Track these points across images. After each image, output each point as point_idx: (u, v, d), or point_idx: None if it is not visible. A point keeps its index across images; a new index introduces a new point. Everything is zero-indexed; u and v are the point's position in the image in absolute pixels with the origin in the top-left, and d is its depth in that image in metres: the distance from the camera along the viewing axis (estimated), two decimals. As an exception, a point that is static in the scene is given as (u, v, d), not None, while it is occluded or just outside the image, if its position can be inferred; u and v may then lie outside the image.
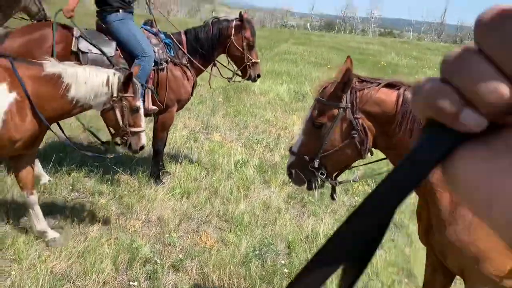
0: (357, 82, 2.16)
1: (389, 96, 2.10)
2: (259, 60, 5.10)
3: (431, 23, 64.15)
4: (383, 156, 2.28)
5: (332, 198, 2.44)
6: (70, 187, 4.28)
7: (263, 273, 3.37)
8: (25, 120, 2.96)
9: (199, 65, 4.73)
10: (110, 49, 4.28)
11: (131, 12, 4.48)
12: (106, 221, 3.76)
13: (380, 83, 2.14)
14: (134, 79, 3.26)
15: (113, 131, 3.37)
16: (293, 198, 4.74)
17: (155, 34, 4.61)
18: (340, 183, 2.37)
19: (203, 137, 6.34)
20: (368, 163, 2.49)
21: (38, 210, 3.32)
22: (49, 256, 3.17)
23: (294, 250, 3.75)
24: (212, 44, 4.75)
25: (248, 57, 4.90)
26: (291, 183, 4.23)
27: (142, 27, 4.62)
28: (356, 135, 2.15)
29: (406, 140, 2.04)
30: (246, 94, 9.09)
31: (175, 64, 4.56)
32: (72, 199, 4.13)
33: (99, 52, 4.18)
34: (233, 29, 4.80)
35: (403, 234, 4.23)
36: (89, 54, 4.15)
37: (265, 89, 9.60)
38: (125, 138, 3.34)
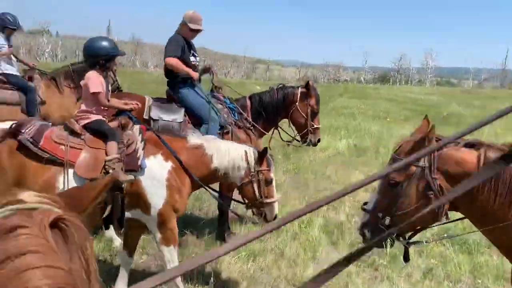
0: (435, 140, 2.09)
1: (469, 156, 2.02)
2: (320, 126, 5.16)
3: (491, 70, 61.96)
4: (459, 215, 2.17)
5: (405, 259, 2.34)
6: (141, 250, 4.36)
7: None
8: (184, 185, 3.25)
9: (260, 128, 4.85)
10: (179, 115, 4.51)
11: (199, 80, 4.75)
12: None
13: (459, 142, 2.07)
14: (268, 154, 3.45)
15: (248, 202, 3.54)
16: (363, 261, 4.51)
17: (220, 100, 4.83)
18: (412, 243, 2.27)
19: (266, 196, 6.31)
20: (444, 223, 2.29)
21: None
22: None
23: (370, 319, 3.50)
24: (276, 109, 4.89)
25: (311, 123, 4.97)
26: (361, 244, 4.21)
27: (209, 94, 4.85)
28: (432, 196, 2.05)
29: (489, 204, 1.94)
30: (305, 151, 9.08)
31: (239, 128, 4.70)
32: (142, 261, 4.20)
33: (170, 119, 4.41)
34: (299, 96, 4.93)
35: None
36: (159, 121, 4.40)
37: (324, 145, 9.54)
38: (261, 209, 3.49)
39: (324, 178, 7.27)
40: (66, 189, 2.87)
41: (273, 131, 5.06)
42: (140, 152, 3.20)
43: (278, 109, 4.90)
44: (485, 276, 4.19)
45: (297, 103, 4.88)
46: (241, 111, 4.82)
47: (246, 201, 3.55)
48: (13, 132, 3.05)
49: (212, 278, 3.93)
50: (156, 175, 3.19)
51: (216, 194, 3.77)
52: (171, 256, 3.30)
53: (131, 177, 3.12)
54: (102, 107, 3.45)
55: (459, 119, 15.12)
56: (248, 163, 3.36)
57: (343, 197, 1.17)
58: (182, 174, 3.25)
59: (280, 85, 5.12)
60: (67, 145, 3.12)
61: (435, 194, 2.05)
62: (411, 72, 63.06)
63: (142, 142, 3.26)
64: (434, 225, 2.26)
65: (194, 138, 3.44)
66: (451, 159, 2.04)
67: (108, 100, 3.50)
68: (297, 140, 5.12)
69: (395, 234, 2.18)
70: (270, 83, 28.26)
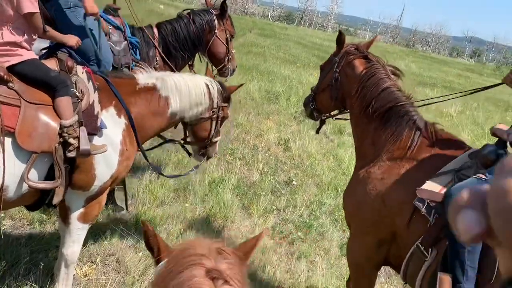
0: (353, 49, 2.66)
1: (361, 65, 2.59)
2: (234, 51, 4.43)
3: (387, 25, 65.56)
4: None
5: (317, 132, 3.31)
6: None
7: None
8: (133, 147, 2.53)
9: (174, 68, 3.86)
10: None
11: None
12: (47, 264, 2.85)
13: (364, 54, 2.62)
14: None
15: (195, 141, 3.09)
16: (279, 233, 4.04)
17: (118, 28, 3.57)
18: (325, 119, 3.03)
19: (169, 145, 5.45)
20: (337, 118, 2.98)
21: None
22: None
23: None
24: (193, 41, 3.95)
25: (231, 51, 4.25)
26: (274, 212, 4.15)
27: (101, 16, 3.45)
28: (333, 84, 2.70)
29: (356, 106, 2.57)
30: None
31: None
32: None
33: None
34: (216, 21, 4.10)
35: None
36: None
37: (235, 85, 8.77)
38: (206, 148, 3.11)
39: (236, 125, 6.57)
40: (2, 170, 1.97)
41: (190, 69, 4.16)
42: (97, 108, 2.32)
43: (196, 42, 3.98)
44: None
45: (216, 30, 4.09)
46: (152, 42, 3.75)
47: (191, 140, 3.09)
48: None
49: (99, 257, 3.11)
50: (110, 137, 2.38)
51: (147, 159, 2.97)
52: (80, 235, 2.49)
53: (103, 147, 2.28)
54: (34, 38, 2.21)
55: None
56: (210, 98, 2.83)
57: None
58: (131, 132, 2.51)
59: (188, 11, 4.12)
60: None
61: (334, 83, 2.68)
62: (315, 15, 63.82)
63: (96, 92, 2.35)
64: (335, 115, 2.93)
65: (145, 77, 2.65)
66: (350, 62, 2.62)
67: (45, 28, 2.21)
68: (219, 75, 4.27)
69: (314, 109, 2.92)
70: (175, 3, 25.83)
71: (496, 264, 1.85)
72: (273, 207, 4.44)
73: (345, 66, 2.61)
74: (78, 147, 2.15)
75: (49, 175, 2.15)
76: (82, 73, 2.35)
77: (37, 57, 2.25)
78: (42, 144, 2.08)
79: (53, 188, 2.15)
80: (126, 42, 3.55)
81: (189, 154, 3.30)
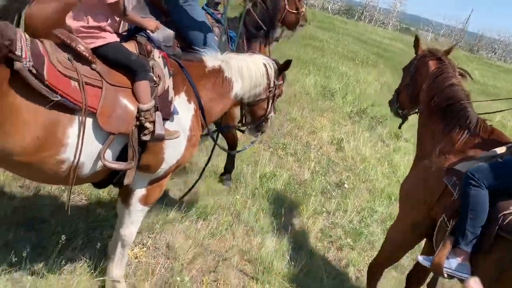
0: (428, 52, 2.92)
1: (434, 65, 2.84)
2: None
3: (451, 27, 62.47)
4: None
5: (399, 127, 3.37)
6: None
7: None
8: (199, 133, 2.57)
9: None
10: (167, 36, 3.33)
11: None
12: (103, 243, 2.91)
13: (437, 56, 2.87)
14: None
15: (250, 122, 3.06)
16: (327, 236, 3.93)
17: (219, 22, 3.73)
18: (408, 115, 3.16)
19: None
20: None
21: None
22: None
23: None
24: (271, 24, 4.19)
25: (303, 12, 4.52)
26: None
27: (203, 9, 3.68)
28: (410, 83, 2.98)
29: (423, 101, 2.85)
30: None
31: None
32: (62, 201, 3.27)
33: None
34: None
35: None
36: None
37: (291, 78, 8.62)
38: (261, 124, 3.07)
39: (289, 120, 6.48)
40: (80, 148, 1.99)
41: (269, 49, 4.38)
42: (171, 93, 2.33)
43: (273, 23, 4.24)
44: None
45: (286, 6, 4.35)
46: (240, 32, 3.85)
47: (248, 120, 3.06)
48: (4, 53, 1.80)
49: (150, 240, 3.15)
50: (181, 123, 2.38)
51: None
52: (139, 217, 2.53)
53: (177, 133, 2.31)
54: (116, 22, 2.25)
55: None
56: (268, 78, 2.80)
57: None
58: (199, 118, 2.53)
59: None
60: (80, 81, 1.99)
61: (411, 80, 2.97)
62: (376, 12, 61.88)
63: (171, 78, 2.36)
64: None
65: (211, 59, 2.65)
66: (424, 63, 2.90)
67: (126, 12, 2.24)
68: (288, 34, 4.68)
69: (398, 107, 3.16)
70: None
71: (493, 235, 2.19)
72: (323, 209, 4.34)
73: (421, 66, 2.91)
74: (153, 132, 2.17)
75: (121, 157, 2.18)
76: (159, 57, 2.35)
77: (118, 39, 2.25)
78: (120, 126, 2.10)
79: (125, 170, 2.18)
80: (226, 35, 3.71)
81: (224, 150, 3.33)
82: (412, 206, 2.69)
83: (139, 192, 2.43)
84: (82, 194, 3.42)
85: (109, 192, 3.47)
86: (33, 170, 2.05)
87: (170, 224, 3.34)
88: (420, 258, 2.51)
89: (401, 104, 3.14)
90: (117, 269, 2.56)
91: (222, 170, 4.29)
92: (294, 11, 4.40)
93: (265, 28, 4.13)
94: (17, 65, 1.81)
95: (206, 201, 3.73)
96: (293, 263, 3.28)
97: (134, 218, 2.49)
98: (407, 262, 3.66)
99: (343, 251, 3.80)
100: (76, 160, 2.02)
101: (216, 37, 3.52)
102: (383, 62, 14.81)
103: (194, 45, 3.24)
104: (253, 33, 4.06)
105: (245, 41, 3.98)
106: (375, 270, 2.98)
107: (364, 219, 4.38)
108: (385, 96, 9.32)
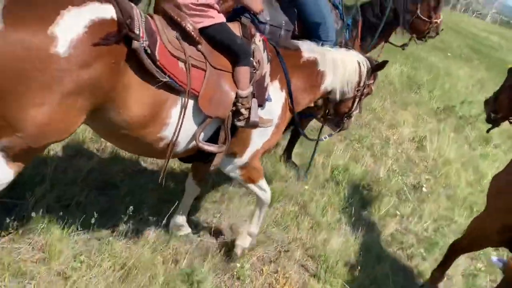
0: None
1: None
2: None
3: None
4: None
5: (487, 132, 3.38)
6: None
7: None
8: (286, 121, 2.57)
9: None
10: (289, 20, 3.28)
11: None
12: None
13: None
14: None
15: (332, 117, 2.97)
16: (398, 242, 3.66)
17: (337, 8, 3.60)
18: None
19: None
20: None
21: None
22: (87, 263, 2.37)
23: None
24: (391, 20, 3.89)
25: (436, 22, 4.00)
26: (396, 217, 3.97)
27: None
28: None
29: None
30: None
31: None
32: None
33: (277, 24, 3.18)
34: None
35: None
36: (266, 25, 3.13)
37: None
38: (343, 121, 2.97)
39: (369, 110, 6.11)
40: (179, 127, 2.02)
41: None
42: (268, 80, 2.31)
43: (393, 24, 3.95)
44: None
45: (418, 11, 3.92)
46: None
47: (331, 116, 2.97)
48: (124, 32, 1.73)
49: (215, 218, 3.10)
50: (272, 110, 2.38)
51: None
52: (261, 187, 2.63)
53: (270, 121, 2.34)
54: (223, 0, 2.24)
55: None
56: (359, 76, 2.71)
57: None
58: (287, 106, 2.50)
59: None
60: (187, 63, 1.97)
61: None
62: (474, 1, 57.06)
63: (268, 64, 2.33)
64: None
65: (308, 49, 2.59)
66: None
67: None
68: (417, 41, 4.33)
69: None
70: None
71: None
72: (397, 212, 4.03)
73: None
74: (247, 118, 2.15)
75: (211, 139, 2.19)
76: (259, 41, 2.30)
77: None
78: (218, 110, 2.10)
79: (216, 152, 2.20)
80: (342, 22, 3.60)
81: (308, 138, 3.22)
82: (507, 209, 2.59)
83: (238, 174, 2.53)
84: (154, 164, 3.44)
85: (180, 165, 3.45)
86: (134, 144, 2.10)
87: (235, 207, 3.26)
88: (494, 259, 2.33)
89: (498, 107, 3.03)
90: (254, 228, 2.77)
91: (293, 155, 4.15)
92: (426, 19, 3.97)
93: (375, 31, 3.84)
94: (135, 44, 1.77)
95: (274, 186, 3.60)
96: (359, 267, 3.07)
97: (258, 190, 2.63)
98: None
99: (414, 260, 3.52)
100: (174, 139, 2.04)
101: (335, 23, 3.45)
102: (478, 57, 13.63)
103: (313, 30, 3.26)
104: (371, 23, 3.84)
105: (359, 30, 3.80)
106: (455, 249, 3.01)
107: (440, 228, 4.02)
108: (477, 95, 8.54)
